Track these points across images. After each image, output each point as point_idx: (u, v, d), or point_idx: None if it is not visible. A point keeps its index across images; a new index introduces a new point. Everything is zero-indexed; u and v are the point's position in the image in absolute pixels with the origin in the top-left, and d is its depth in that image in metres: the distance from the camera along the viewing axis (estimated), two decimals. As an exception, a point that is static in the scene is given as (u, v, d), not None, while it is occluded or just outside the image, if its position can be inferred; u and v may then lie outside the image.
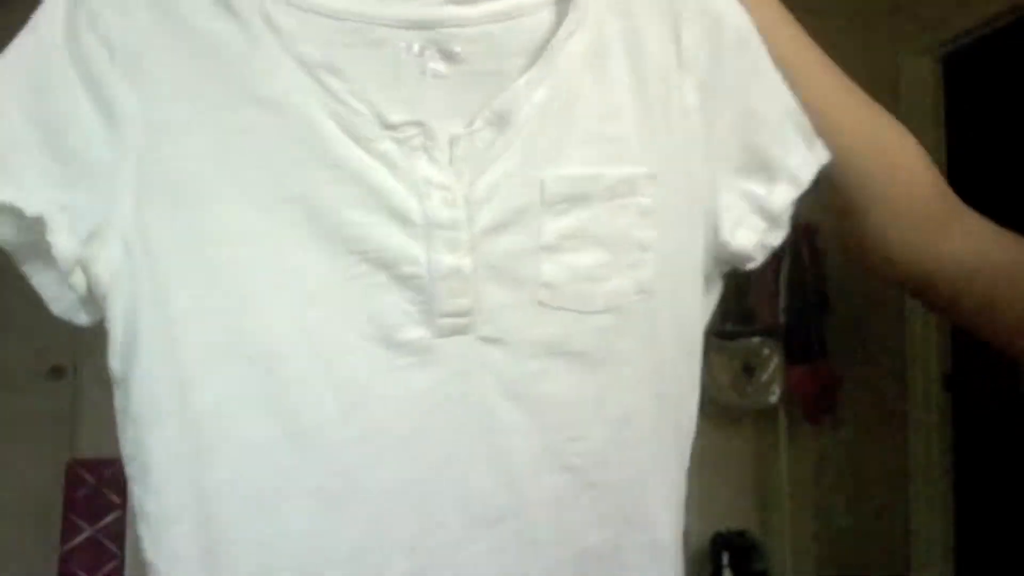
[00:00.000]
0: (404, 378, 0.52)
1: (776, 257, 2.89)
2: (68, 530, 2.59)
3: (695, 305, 0.59)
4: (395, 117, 0.51)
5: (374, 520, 0.51)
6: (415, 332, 0.52)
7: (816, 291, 2.87)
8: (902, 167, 0.64)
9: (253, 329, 0.51)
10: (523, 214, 0.53)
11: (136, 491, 0.53)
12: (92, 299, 0.52)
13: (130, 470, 0.53)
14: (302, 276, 0.51)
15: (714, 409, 2.79)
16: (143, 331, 0.51)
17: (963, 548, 2.59)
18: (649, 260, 0.56)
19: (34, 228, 0.50)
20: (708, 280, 0.60)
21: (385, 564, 0.52)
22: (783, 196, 0.59)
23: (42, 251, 0.51)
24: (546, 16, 0.54)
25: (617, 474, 0.56)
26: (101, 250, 0.51)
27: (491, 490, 0.53)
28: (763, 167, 0.58)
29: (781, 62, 0.59)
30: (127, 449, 0.53)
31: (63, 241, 0.50)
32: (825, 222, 3.21)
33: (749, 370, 2.84)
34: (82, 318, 0.53)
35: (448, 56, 0.52)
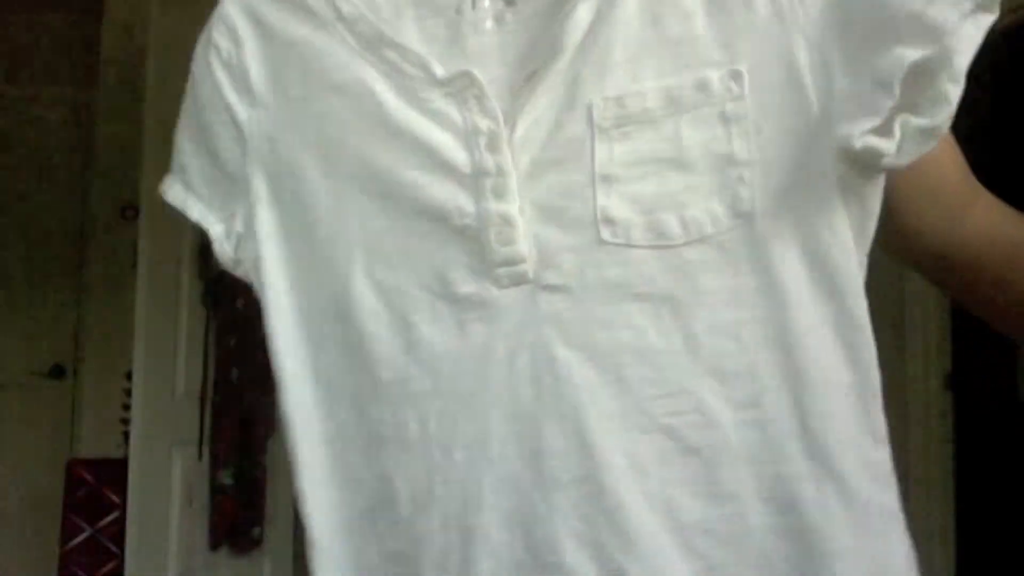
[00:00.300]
0: (468, 332, 0.51)
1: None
2: (68, 530, 2.59)
3: (832, 221, 0.49)
4: (444, 72, 0.52)
5: (448, 470, 0.52)
6: (475, 285, 0.51)
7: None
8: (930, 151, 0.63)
9: (340, 294, 0.55)
10: (572, 146, 0.50)
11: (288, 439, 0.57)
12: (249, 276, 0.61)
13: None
14: (378, 240, 0.54)
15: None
16: (269, 300, 0.58)
17: (964, 548, 2.59)
18: (745, 176, 0.48)
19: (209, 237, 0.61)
20: (855, 190, 0.50)
21: (460, 514, 0.51)
22: (932, 117, 0.48)
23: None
24: None
25: (730, 437, 0.49)
26: (245, 250, 0.60)
27: (562, 449, 0.49)
28: (881, 29, 0.47)
29: None
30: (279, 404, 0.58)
31: (222, 248, 0.60)
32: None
33: (749, 370, 2.83)
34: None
35: (507, 1, 0.53)
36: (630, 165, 0.49)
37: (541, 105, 0.50)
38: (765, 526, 0.49)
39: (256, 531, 2.74)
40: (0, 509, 3.22)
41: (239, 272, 0.60)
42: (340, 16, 0.55)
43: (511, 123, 0.51)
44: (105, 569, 2.57)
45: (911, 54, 0.47)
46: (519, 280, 0.50)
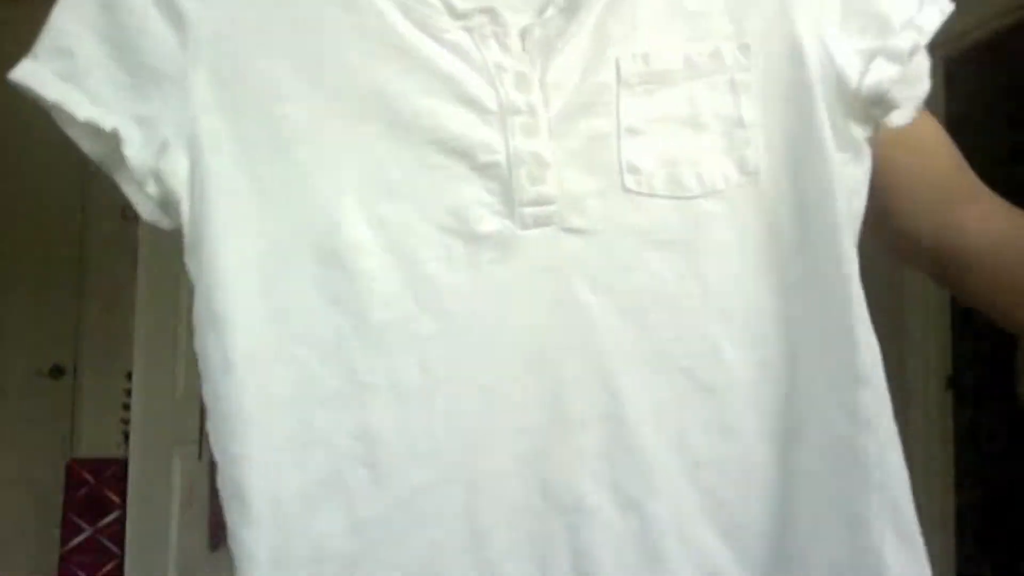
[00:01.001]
0: (487, 272, 0.50)
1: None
2: (68, 530, 2.59)
3: (828, 184, 0.53)
4: (464, 5, 0.50)
5: (454, 417, 0.49)
6: (496, 224, 0.50)
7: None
8: (922, 144, 0.63)
9: (328, 225, 0.50)
10: (600, 95, 0.51)
11: (206, 389, 0.51)
12: (168, 205, 0.53)
13: (201, 369, 0.51)
14: (379, 169, 0.50)
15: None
16: (216, 234, 0.51)
17: (964, 548, 2.59)
18: (752, 138, 0.52)
19: (111, 142, 0.51)
20: (851, 147, 0.54)
21: (463, 464, 0.49)
22: (907, 39, 0.55)
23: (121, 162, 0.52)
24: None
25: (741, 376, 0.51)
26: (174, 161, 0.51)
27: (584, 389, 0.49)
28: (874, 22, 0.54)
29: None
30: (198, 349, 0.52)
31: (135, 154, 0.51)
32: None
33: (749, 370, 2.83)
34: (165, 223, 0.54)
35: None
36: (652, 120, 0.52)
37: (569, 52, 0.51)
38: (767, 462, 0.51)
39: (256, 531, 2.74)
40: (0, 509, 3.22)
41: (148, 189, 0.52)
42: None
43: (540, 66, 0.51)
44: (105, 569, 2.57)
45: (909, 38, 0.55)
46: (545, 221, 0.50)
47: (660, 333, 0.51)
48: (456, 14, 0.50)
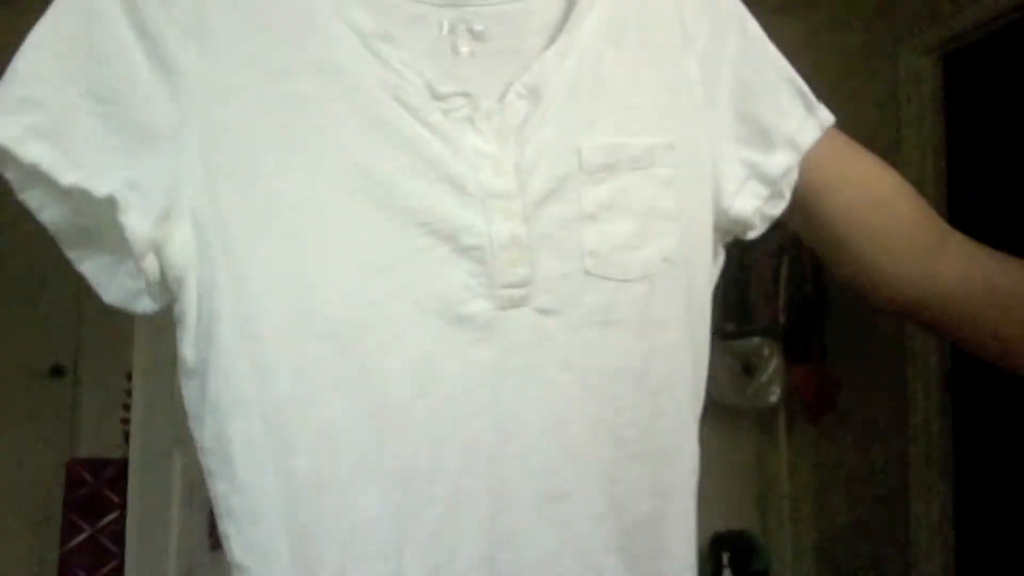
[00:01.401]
0: (470, 353, 0.51)
1: (776, 257, 2.90)
2: (68, 530, 2.59)
3: (708, 273, 0.60)
4: (444, 88, 0.51)
5: (452, 500, 0.50)
6: (478, 305, 0.51)
7: (816, 291, 2.87)
8: (884, 201, 0.67)
9: (325, 306, 0.49)
10: (566, 182, 0.54)
11: (220, 487, 0.50)
12: (164, 284, 0.50)
13: (210, 464, 0.51)
14: (369, 249, 0.50)
15: (714, 409, 2.78)
16: (221, 315, 0.48)
17: (963, 548, 2.59)
18: (672, 229, 0.57)
19: (102, 211, 0.47)
20: (714, 250, 0.62)
21: (460, 546, 0.51)
22: (781, 161, 0.60)
23: (101, 236, 0.49)
24: None
25: (658, 444, 0.56)
26: (175, 229, 0.48)
27: (558, 464, 0.53)
28: (760, 134, 0.60)
29: None
30: (207, 443, 0.51)
31: (135, 222, 0.47)
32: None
33: (749, 370, 2.83)
34: (144, 305, 0.51)
35: (474, 35, 0.54)
36: (605, 207, 0.55)
37: (538, 140, 0.53)
38: (676, 514, 0.58)
39: (256, 531, 2.74)
40: (0, 509, 3.22)
41: (145, 263, 0.48)
42: None
43: (512, 151, 0.52)
44: (105, 569, 2.56)
45: (784, 159, 0.61)
46: (520, 302, 0.52)
47: (610, 406, 0.55)
48: (436, 95, 0.51)
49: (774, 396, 2.85)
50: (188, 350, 0.50)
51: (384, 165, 0.50)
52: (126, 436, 2.46)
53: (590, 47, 0.55)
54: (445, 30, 0.53)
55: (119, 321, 2.78)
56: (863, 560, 2.83)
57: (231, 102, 0.48)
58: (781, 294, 2.83)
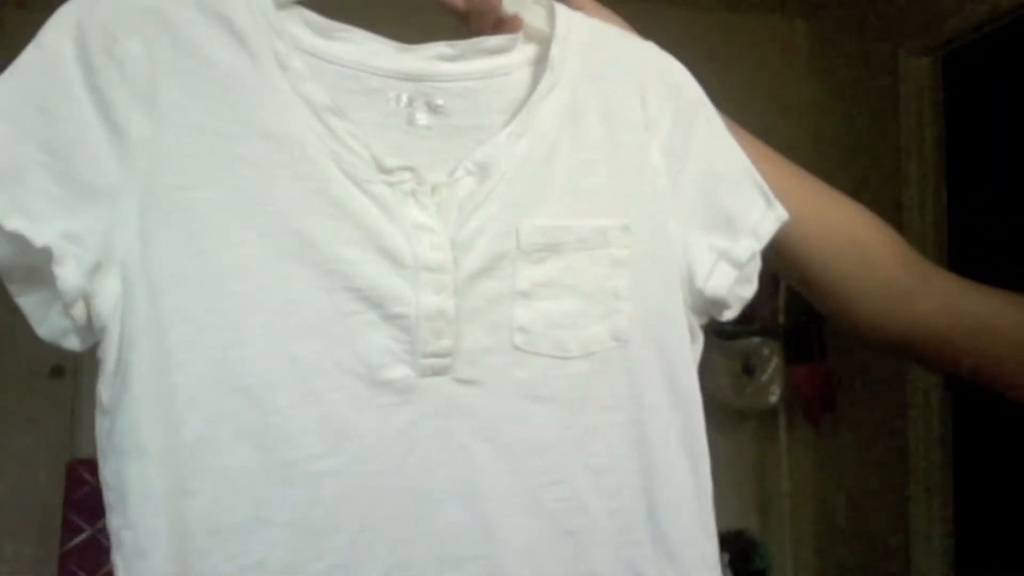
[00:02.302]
0: (385, 415, 0.52)
1: (776, 257, 2.90)
2: (68, 530, 2.59)
3: (683, 352, 0.60)
4: (390, 162, 0.53)
5: (347, 555, 0.51)
6: (399, 371, 0.53)
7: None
8: (862, 245, 0.69)
9: (243, 361, 0.51)
10: (501, 260, 0.55)
11: (113, 520, 0.52)
12: (89, 328, 0.52)
13: (108, 498, 0.52)
14: (295, 310, 0.51)
15: (714, 409, 2.79)
16: (136, 363, 0.50)
17: (963, 548, 2.59)
18: (624, 308, 0.58)
19: (39, 257, 0.50)
20: (691, 330, 0.62)
21: None
22: (746, 248, 0.62)
23: (37, 276, 0.50)
24: (524, 76, 0.58)
25: (598, 523, 0.56)
26: (104, 282, 0.50)
27: (462, 529, 0.53)
28: (726, 223, 0.62)
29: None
30: (107, 478, 0.52)
31: (69, 273, 0.50)
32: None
33: (749, 370, 2.84)
34: (72, 343, 0.53)
35: (433, 108, 0.56)
36: (542, 285, 0.56)
37: (479, 216, 0.55)
38: None
39: (256, 531, 2.74)
40: (0, 509, 3.22)
41: (74, 311, 0.50)
42: (284, 66, 0.52)
43: (453, 226, 0.54)
44: (105, 569, 2.56)
45: (749, 245, 0.63)
46: (441, 371, 0.54)
47: (533, 479, 0.55)
48: (383, 168, 0.53)
49: (774, 396, 2.85)
50: (104, 391, 0.52)
51: (321, 232, 0.51)
52: (126, 436, 2.46)
53: (547, 129, 0.57)
54: (403, 102, 0.55)
55: (119, 321, 2.78)
56: (863, 560, 2.83)
57: (175, 165, 0.50)
58: (781, 294, 2.83)
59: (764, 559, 2.91)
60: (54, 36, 0.49)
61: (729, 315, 0.64)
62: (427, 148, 0.55)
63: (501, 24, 0.59)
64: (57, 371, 3.31)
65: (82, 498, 2.60)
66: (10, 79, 0.49)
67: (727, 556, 2.84)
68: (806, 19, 3.41)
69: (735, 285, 0.63)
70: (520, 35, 0.59)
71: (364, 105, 0.54)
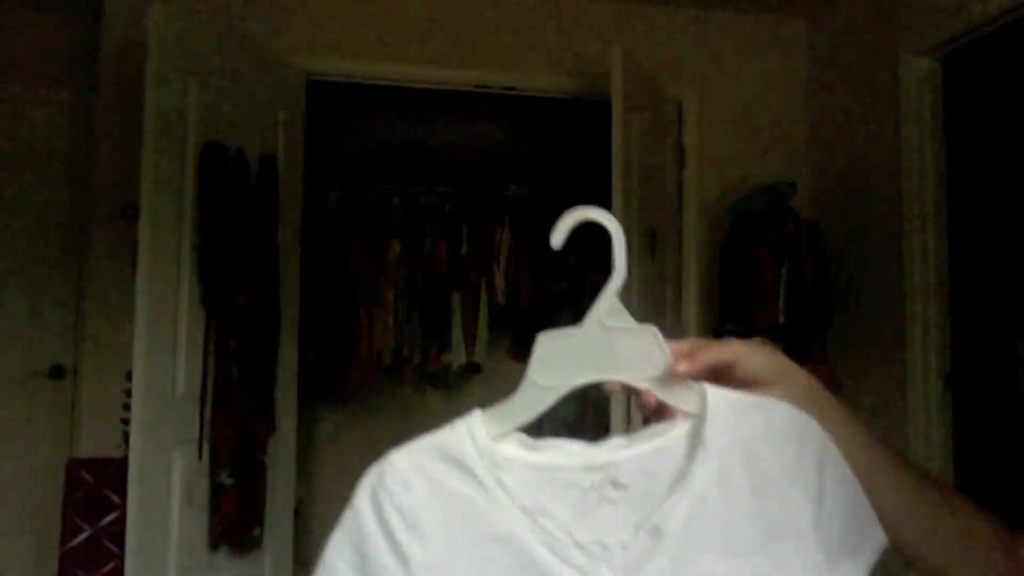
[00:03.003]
0: None
1: (776, 257, 2.90)
2: (68, 530, 2.59)
3: None
4: (583, 538, 0.69)
5: None
6: None
7: (817, 291, 2.88)
8: (970, 554, 0.79)
9: None
10: None
11: None
12: None
13: None
14: None
15: (714, 409, 2.78)
16: None
17: (963, 548, 2.59)
18: None
19: None
20: None
21: None
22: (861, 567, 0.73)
23: None
24: (681, 448, 0.74)
25: None
26: None
27: None
28: (852, 550, 0.74)
29: (856, 466, 0.75)
30: None
31: None
32: (828, 223, 3.21)
33: (749, 370, 2.83)
34: None
35: (617, 485, 0.72)
36: None
37: (651, 569, 0.69)
38: None
39: (256, 531, 2.74)
40: (0, 509, 3.22)
41: None
42: (503, 487, 0.71)
43: None
44: (105, 569, 2.57)
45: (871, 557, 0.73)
46: None
47: None
48: (578, 545, 0.69)
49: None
50: None
51: None
52: (126, 436, 2.46)
53: (703, 494, 0.72)
54: (594, 485, 0.72)
55: (119, 321, 2.79)
56: (863, 560, 2.83)
57: (443, 571, 0.70)
58: (781, 294, 2.83)
59: (764, 559, 2.90)
60: (360, 501, 0.73)
61: None
62: (614, 517, 0.71)
63: (663, 410, 0.77)
64: (57, 371, 3.32)
65: (82, 498, 2.60)
66: (340, 533, 0.72)
67: (727, 556, 2.83)
68: (806, 19, 3.42)
69: None
70: (678, 419, 0.76)
71: (563, 495, 0.72)
